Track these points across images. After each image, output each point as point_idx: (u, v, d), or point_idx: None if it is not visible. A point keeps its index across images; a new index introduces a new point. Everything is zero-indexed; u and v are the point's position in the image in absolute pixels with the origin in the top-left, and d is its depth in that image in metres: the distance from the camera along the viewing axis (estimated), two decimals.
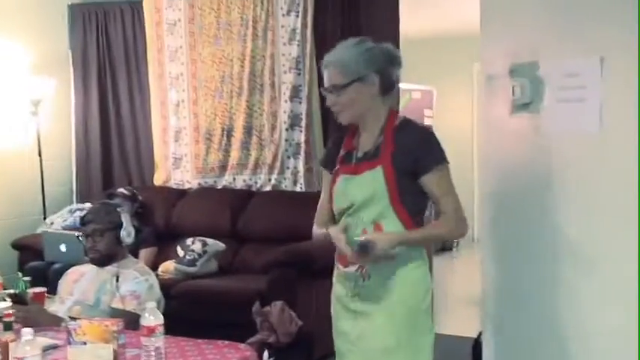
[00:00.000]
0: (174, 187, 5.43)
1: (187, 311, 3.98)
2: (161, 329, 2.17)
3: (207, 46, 5.27)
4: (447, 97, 7.25)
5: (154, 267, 4.41)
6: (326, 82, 2.25)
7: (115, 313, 2.78)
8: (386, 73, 2.25)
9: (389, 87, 2.28)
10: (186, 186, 5.40)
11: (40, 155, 5.35)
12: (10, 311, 2.56)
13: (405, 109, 5.13)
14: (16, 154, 5.27)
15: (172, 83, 5.40)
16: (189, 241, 4.67)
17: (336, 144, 2.43)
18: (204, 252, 4.54)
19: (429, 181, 2.22)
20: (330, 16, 4.90)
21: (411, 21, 5.35)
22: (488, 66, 2.65)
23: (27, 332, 1.90)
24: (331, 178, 2.37)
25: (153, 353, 2.13)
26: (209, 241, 4.61)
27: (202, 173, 5.36)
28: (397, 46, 4.73)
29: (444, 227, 2.28)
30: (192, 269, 4.51)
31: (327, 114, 4.86)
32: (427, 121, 6.07)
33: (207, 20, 5.25)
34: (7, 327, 2.46)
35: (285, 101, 4.95)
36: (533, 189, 2.53)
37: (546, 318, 2.49)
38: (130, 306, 2.82)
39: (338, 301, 2.39)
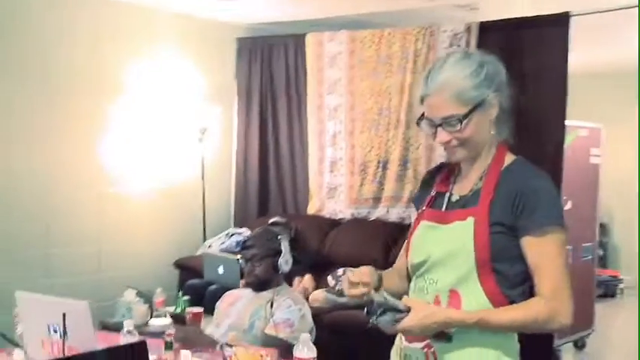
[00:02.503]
0: (327, 216, 5.48)
1: (336, 341, 3.97)
2: None
3: (365, 79, 5.30)
4: (615, 135, 6.84)
5: (306, 295, 4.45)
6: (432, 113, 1.76)
7: (267, 339, 2.82)
8: (504, 92, 1.78)
9: (504, 111, 1.80)
10: (339, 216, 5.43)
11: (203, 180, 5.59)
12: (172, 331, 2.67)
13: (569, 147, 4.86)
14: (183, 179, 5.53)
15: (330, 115, 5.49)
16: (340, 271, 4.65)
17: (429, 181, 1.96)
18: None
19: (528, 245, 1.69)
20: (493, 50, 4.77)
21: (579, 56, 5.11)
22: None
23: (186, 355, 1.93)
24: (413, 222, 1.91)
25: None
26: None
27: (356, 204, 5.38)
28: (565, 84, 4.55)
29: (529, 311, 1.68)
30: (342, 299, 4.45)
31: None
32: (594, 161, 5.73)
33: (368, 53, 5.29)
34: (169, 346, 2.55)
35: None
36: None
37: None
38: (283, 334, 2.84)
39: None
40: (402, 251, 1.99)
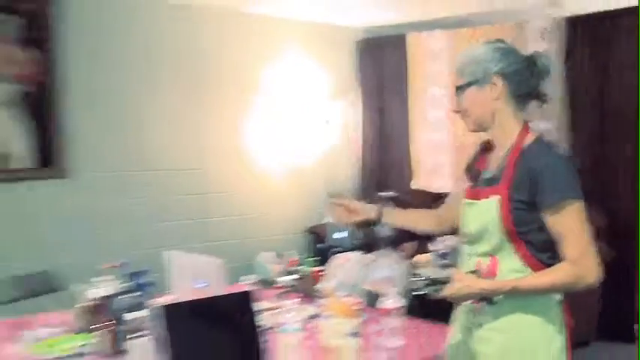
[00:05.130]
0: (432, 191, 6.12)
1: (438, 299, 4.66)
2: (397, 312, 2.33)
3: None
4: None
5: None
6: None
7: (370, 295, 3.07)
8: (515, 78, 1.87)
9: (523, 95, 1.90)
10: (441, 191, 6.00)
11: (328, 162, 6.36)
12: (280, 284, 3.47)
13: None
14: (312, 161, 6.29)
15: (433, 103, 6.16)
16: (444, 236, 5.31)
17: (475, 158, 2.11)
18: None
19: (549, 218, 1.81)
20: (581, 43, 5.19)
21: None
22: None
23: (285, 304, 2.26)
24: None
25: (390, 331, 2.32)
26: None
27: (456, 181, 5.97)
28: None
29: (556, 275, 1.81)
30: (445, 261, 5.11)
31: (577, 134, 5.14)
32: None
33: (463, 47, 5.76)
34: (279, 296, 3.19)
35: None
36: None
37: None
38: (382, 290, 3.10)
39: (459, 331, 2.10)
40: (449, 202, 2.25)
